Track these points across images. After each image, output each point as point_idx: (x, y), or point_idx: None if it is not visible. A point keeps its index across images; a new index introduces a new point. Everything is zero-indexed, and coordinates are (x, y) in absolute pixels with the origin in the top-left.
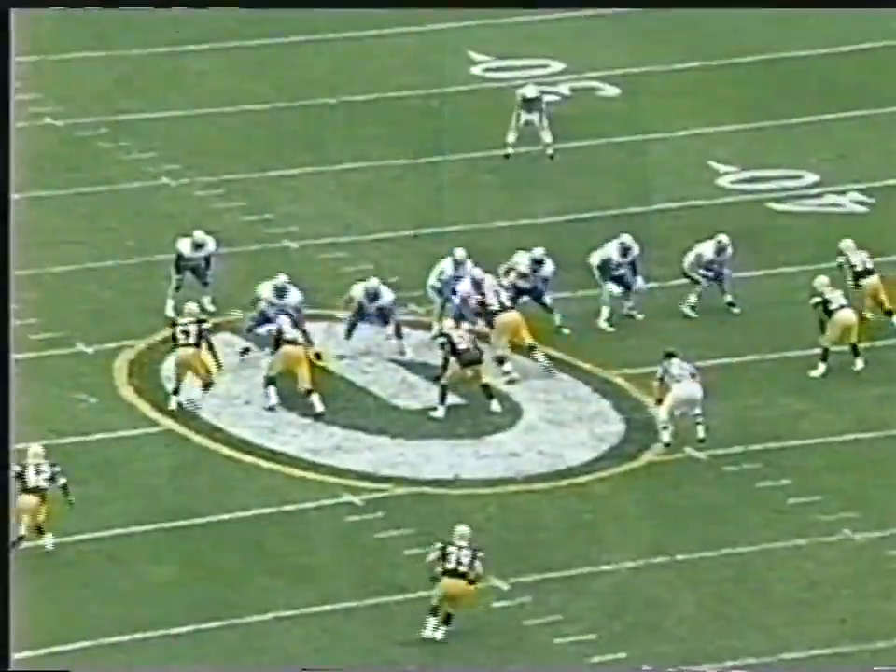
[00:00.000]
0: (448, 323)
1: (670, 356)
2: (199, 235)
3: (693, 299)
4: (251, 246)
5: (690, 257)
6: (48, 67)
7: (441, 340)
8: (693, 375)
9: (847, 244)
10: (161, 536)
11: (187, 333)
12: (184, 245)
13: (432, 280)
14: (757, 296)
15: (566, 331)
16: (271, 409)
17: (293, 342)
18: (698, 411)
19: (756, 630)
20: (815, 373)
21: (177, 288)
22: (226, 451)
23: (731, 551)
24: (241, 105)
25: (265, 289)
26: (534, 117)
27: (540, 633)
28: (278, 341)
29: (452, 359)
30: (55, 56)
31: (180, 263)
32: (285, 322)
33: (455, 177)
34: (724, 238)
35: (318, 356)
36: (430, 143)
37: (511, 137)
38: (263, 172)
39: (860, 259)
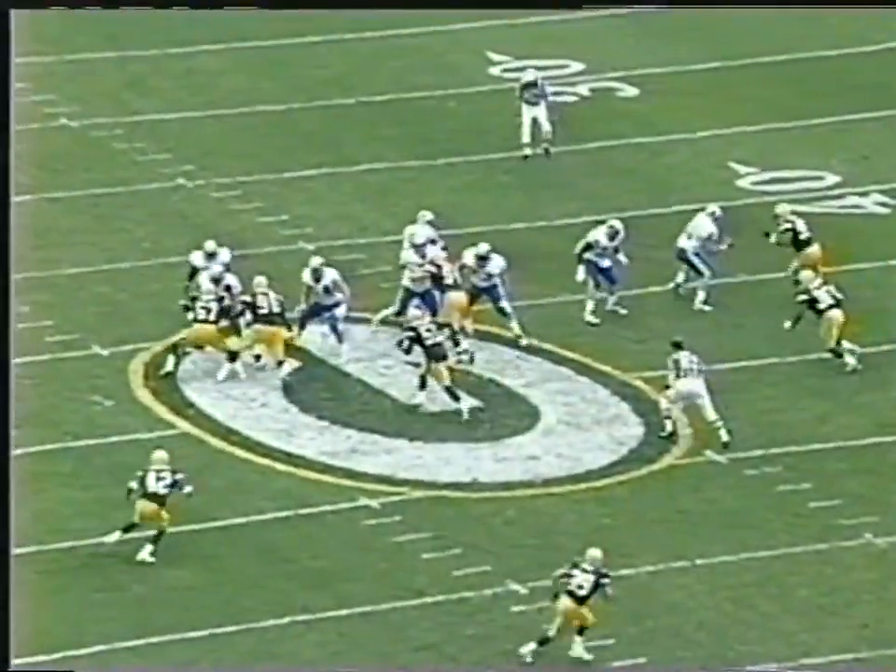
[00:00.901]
0: (413, 313)
1: (678, 346)
2: (209, 245)
3: (702, 295)
4: (267, 248)
5: (692, 242)
6: (63, 68)
7: (408, 334)
8: (699, 371)
9: (784, 208)
10: (177, 539)
11: (208, 310)
12: (196, 257)
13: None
14: (777, 298)
15: (523, 341)
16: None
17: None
18: (714, 416)
19: (776, 635)
20: (849, 367)
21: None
22: (242, 453)
23: (751, 555)
24: (257, 106)
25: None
26: (538, 112)
27: (559, 638)
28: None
29: (424, 355)
30: (70, 56)
31: (194, 275)
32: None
33: (473, 179)
34: (717, 208)
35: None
36: (448, 144)
37: (526, 136)
38: (279, 173)
39: (803, 225)
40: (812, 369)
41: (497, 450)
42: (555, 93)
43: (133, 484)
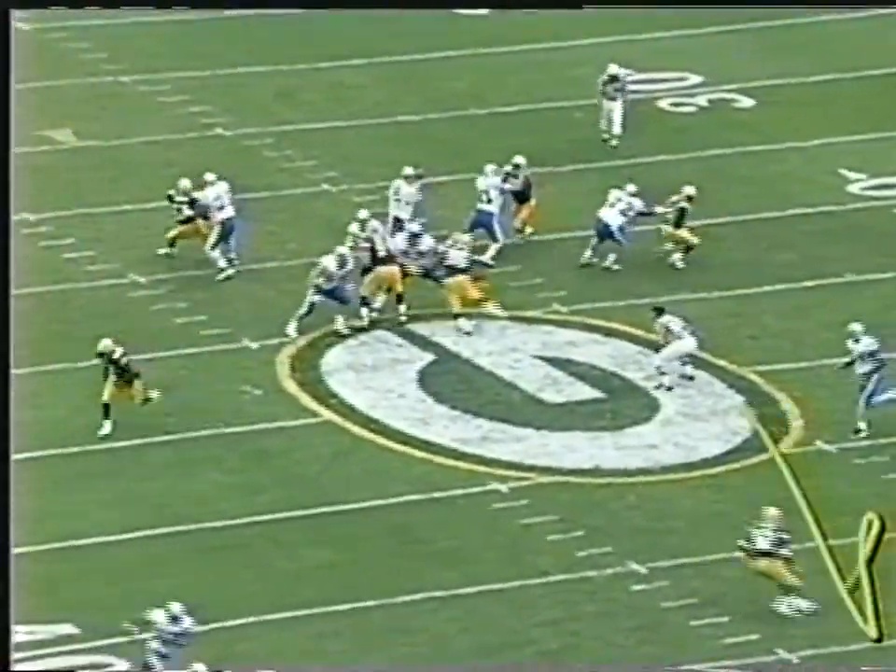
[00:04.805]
0: None
1: (661, 311)
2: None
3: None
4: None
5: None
6: (217, 81)
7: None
8: (691, 330)
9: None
10: (320, 520)
11: (180, 211)
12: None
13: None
14: (886, 297)
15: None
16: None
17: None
18: (691, 373)
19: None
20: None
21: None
22: (381, 441)
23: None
24: (395, 117)
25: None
26: (615, 107)
27: (677, 615)
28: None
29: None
30: (224, 71)
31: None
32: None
33: (595, 185)
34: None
35: None
36: (573, 152)
37: (605, 124)
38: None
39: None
40: None
41: (618, 439)
42: (674, 104)
43: (742, 542)
